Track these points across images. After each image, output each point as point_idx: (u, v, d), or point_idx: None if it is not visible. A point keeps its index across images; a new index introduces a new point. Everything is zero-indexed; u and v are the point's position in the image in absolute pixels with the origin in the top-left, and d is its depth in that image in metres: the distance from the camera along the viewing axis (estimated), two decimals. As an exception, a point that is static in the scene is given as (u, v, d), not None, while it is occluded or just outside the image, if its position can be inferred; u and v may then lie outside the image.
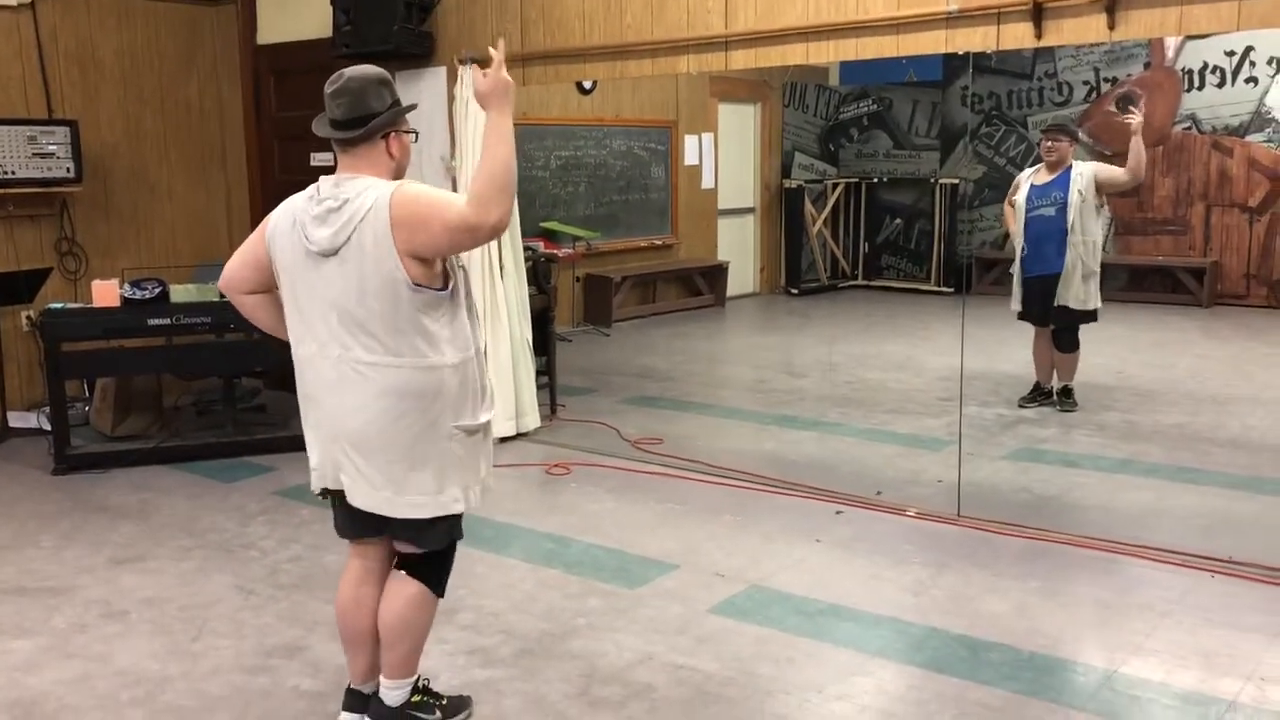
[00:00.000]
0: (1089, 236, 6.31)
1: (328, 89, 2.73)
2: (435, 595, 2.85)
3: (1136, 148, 6.23)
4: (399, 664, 2.84)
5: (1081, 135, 11.12)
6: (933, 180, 12.00)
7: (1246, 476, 5.17)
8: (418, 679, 2.91)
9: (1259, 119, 10.21)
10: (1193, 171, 10.60)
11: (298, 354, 2.80)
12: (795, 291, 11.81)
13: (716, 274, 11.03)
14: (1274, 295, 10.29)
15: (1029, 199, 6.43)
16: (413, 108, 2.84)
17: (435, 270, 2.65)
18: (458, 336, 2.71)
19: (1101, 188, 6.33)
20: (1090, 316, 6.38)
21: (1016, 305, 6.58)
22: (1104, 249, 6.45)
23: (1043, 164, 6.50)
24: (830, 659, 3.36)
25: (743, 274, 11.70)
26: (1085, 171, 6.34)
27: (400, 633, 2.81)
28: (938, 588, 3.90)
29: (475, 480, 2.79)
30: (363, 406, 2.67)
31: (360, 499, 2.72)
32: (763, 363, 8.46)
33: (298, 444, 5.85)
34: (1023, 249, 6.47)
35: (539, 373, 6.28)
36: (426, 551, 2.81)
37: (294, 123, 6.90)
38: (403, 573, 2.82)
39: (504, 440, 5.86)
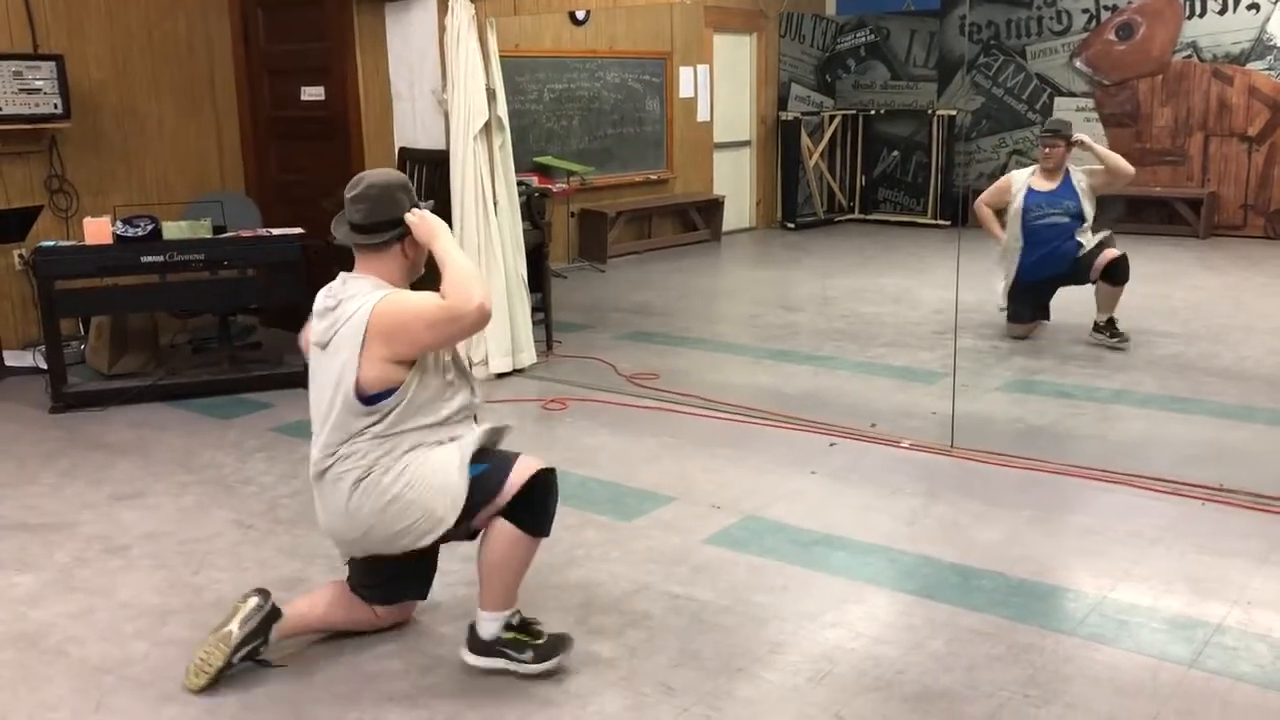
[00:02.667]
0: (1085, 236, 6.44)
1: (348, 193, 2.88)
2: (533, 536, 2.87)
3: (1104, 154, 6.39)
4: (493, 596, 2.88)
5: (1079, 64, 11.03)
6: (930, 112, 11.90)
7: (1238, 406, 5.20)
8: (514, 612, 2.92)
9: (1260, 46, 10.10)
10: (1192, 101, 10.51)
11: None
12: (792, 226, 11.77)
13: (712, 208, 10.97)
14: (1271, 226, 10.27)
15: (1031, 205, 6.44)
16: (431, 203, 2.99)
17: (400, 377, 2.77)
18: (395, 442, 2.79)
19: (1096, 189, 6.46)
20: (1110, 241, 6.39)
21: (1001, 303, 6.64)
22: None
23: (1038, 168, 6.53)
24: (824, 587, 3.41)
25: (739, 208, 11.65)
26: (1083, 180, 6.43)
27: (496, 566, 2.86)
28: (930, 517, 3.95)
29: (447, 499, 2.81)
30: (336, 511, 2.86)
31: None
32: (758, 297, 8.45)
33: (294, 381, 5.88)
34: (1020, 252, 6.48)
35: (534, 309, 6.27)
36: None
37: (283, 56, 6.82)
38: (500, 518, 2.84)
39: (500, 376, 5.88)
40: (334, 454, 2.82)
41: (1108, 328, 6.37)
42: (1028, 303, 6.56)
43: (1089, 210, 6.39)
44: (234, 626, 2.87)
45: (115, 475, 4.54)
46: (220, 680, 2.85)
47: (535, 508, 2.85)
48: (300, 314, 3.12)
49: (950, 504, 4.06)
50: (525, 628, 2.94)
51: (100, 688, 2.90)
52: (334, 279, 2.94)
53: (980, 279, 6.78)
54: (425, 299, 2.78)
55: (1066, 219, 6.36)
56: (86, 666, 3.01)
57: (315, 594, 3.13)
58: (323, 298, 2.90)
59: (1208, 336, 6.55)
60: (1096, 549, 3.65)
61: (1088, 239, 6.40)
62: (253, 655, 2.90)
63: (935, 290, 8.00)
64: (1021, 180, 6.55)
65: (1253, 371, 5.79)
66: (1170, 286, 8.08)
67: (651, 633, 3.13)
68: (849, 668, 2.93)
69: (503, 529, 2.83)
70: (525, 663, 2.88)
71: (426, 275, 2.96)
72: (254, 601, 2.92)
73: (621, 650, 3.03)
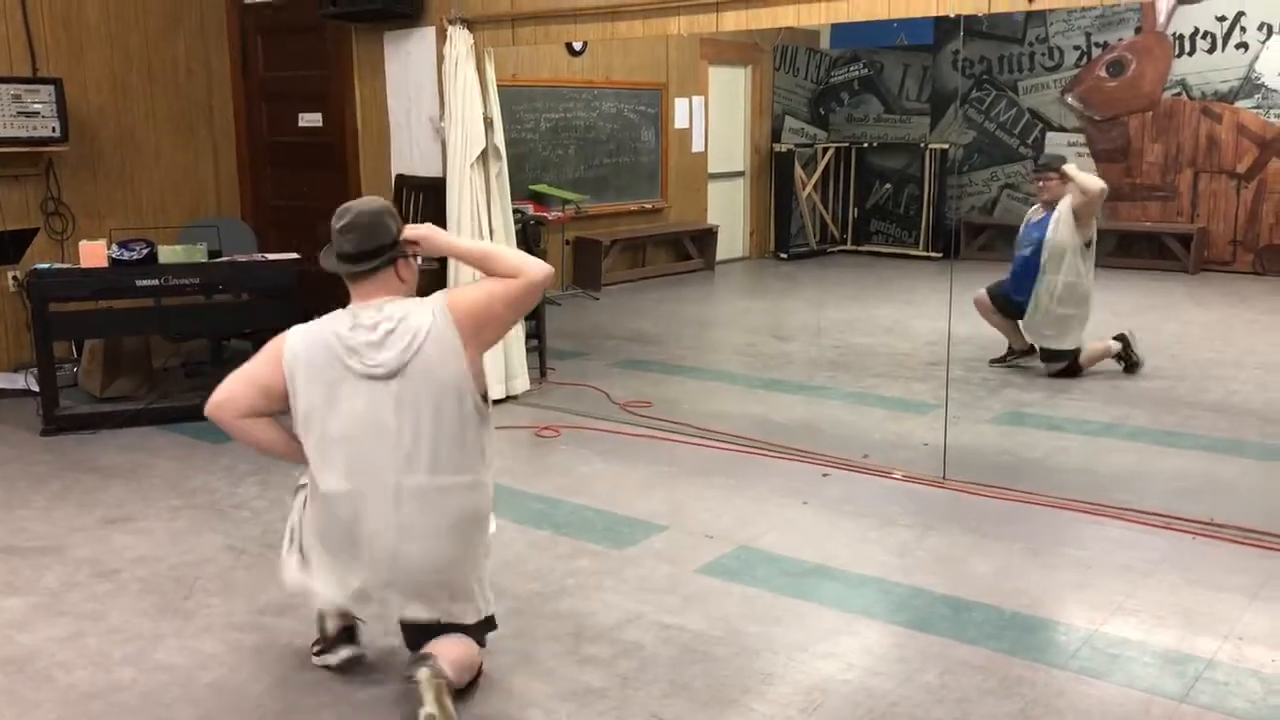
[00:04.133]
0: (1066, 276, 6.30)
1: (335, 224, 2.84)
2: (478, 663, 2.95)
3: (1074, 174, 6.35)
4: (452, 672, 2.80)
5: (1070, 100, 11.14)
6: (922, 145, 11.99)
7: (1228, 440, 5.22)
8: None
9: (1248, 85, 10.21)
10: (1182, 137, 10.61)
11: (327, 490, 2.80)
12: (784, 256, 11.82)
13: (706, 238, 11.02)
14: (1259, 262, 10.35)
15: (1021, 236, 6.58)
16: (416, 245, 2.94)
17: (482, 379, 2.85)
18: (490, 446, 2.89)
19: (1079, 214, 6.32)
20: (1059, 356, 6.37)
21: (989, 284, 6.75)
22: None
23: (1039, 204, 6.60)
24: (816, 618, 3.41)
25: (732, 238, 11.70)
26: (1064, 208, 6.37)
27: (461, 661, 2.84)
28: (922, 549, 3.95)
29: (488, 584, 3.00)
30: (429, 534, 2.78)
31: (414, 615, 2.86)
32: (751, 327, 8.48)
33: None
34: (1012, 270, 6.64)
35: (528, 336, 6.29)
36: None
37: (281, 82, 6.87)
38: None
39: (495, 403, 5.87)
40: (464, 474, 2.81)
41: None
42: (1003, 308, 6.65)
43: (1066, 235, 6.27)
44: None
45: (106, 499, 4.53)
46: None
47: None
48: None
49: (943, 536, 4.07)
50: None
51: (88, 714, 2.88)
52: (338, 309, 2.87)
53: (972, 310, 6.80)
54: (485, 284, 2.83)
55: (1029, 251, 6.44)
56: (75, 692, 2.99)
57: None
58: (360, 332, 2.76)
59: (1197, 371, 6.59)
60: (1088, 582, 3.66)
61: (1056, 330, 6.35)
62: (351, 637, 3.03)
63: (927, 321, 8.03)
64: (1030, 213, 6.72)
65: (1242, 406, 5.82)
66: (1160, 320, 8.12)
67: (643, 663, 3.12)
68: (841, 700, 2.92)
69: (475, 650, 2.91)
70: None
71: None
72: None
73: (613, 680, 3.02)
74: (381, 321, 2.76)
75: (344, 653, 3.03)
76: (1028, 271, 6.43)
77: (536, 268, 2.82)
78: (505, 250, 2.94)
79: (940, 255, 11.70)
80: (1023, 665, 3.10)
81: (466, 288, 2.87)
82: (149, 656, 3.19)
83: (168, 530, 4.18)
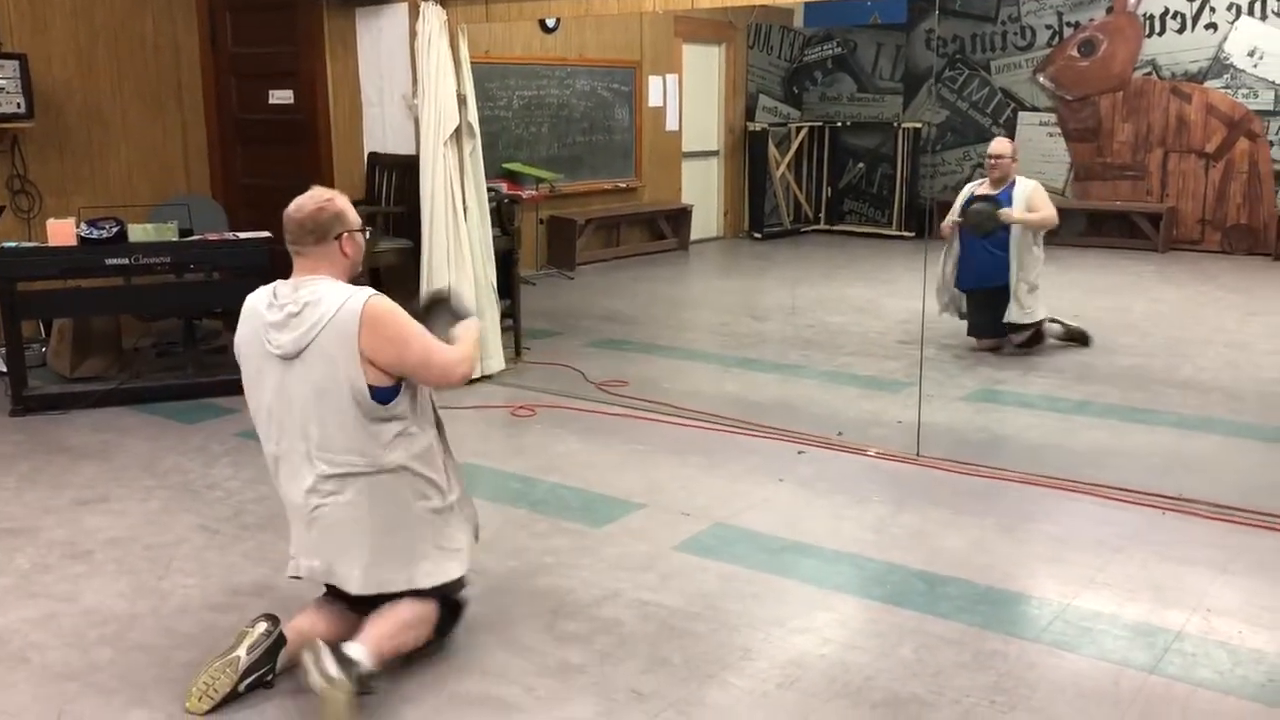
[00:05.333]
0: (1023, 253, 6.36)
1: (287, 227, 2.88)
2: (434, 627, 2.95)
3: (1027, 219, 6.30)
4: (375, 645, 2.77)
5: (1042, 79, 11.18)
6: (896, 124, 12.01)
7: (1197, 417, 5.29)
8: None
9: (1217, 65, 10.29)
10: (1152, 117, 10.69)
11: (267, 450, 2.94)
12: (759, 235, 11.83)
13: (680, 217, 11.01)
14: (1227, 241, 10.46)
15: (966, 207, 6.48)
16: (369, 229, 3.03)
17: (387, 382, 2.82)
18: (417, 433, 2.89)
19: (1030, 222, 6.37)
20: (1035, 329, 6.47)
21: (949, 310, 6.67)
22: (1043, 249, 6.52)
23: (986, 179, 6.58)
24: (793, 594, 3.43)
25: (706, 218, 11.70)
26: (1027, 189, 6.39)
27: (404, 625, 2.86)
28: (897, 525, 3.98)
29: (451, 555, 2.98)
30: (341, 506, 2.83)
31: (339, 582, 2.91)
32: (726, 306, 8.49)
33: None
34: (956, 256, 6.55)
35: (503, 315, 6.27)
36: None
37: (251, 59, 6.78)
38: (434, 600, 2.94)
39: (469, 383, 5.86)
40: (348, 466, 2.81)
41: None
42: (982, 315, 6.55)
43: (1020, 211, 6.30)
44: (241, 652, 2.78)
45: (78, 479, 4.48)
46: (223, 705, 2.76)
47: (449, 619, 3.04)
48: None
49: (917, 512, 4.10)
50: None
51: (63, 695, 2.86)
52: (249, 298, 2.91)
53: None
54: (427, 335, 2.86)
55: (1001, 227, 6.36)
56: (49, 673, 2.97)
57: (310, 611, 3.01)
58: (271, 310, 2.81)
59: (1167, 349, 6.66)
60: (1060, 557, 3.70)
61: (1028, 305, 6.39)
62: (261, 682, 2.81)
63: (900, 300, 8.07)
64: (968, 190, 6.65)
65: (1211, 383, 5.89)
66: (1131, 299, 8.21)
67: (621, 639, 3.14)
68: (818, 674, 2.95)
69: (430, 606, 2.93)
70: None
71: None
72: (263, 627, 2.83)
73: (591, 656, 3.03)
74: (289, 303, 2.79)
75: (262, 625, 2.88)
76: (990, 247, 6.37)
77: (465, 364, 2.92)
78: (472, 344, 3.01)
79: (913, 235, 11.75)
80: (996, 639, 3.13)
81: (402, 313, 2.81)
82: (125, 637, 3.17)
83: (141, 511, 4.15)
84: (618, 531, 3.92)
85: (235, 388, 5.59)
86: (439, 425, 3.04)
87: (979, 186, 6.59)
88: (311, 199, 2.86)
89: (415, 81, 5.90)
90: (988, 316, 6.53)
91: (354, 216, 2.92)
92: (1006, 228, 6.33)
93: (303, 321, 2.76)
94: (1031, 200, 6.37)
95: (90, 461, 4.70)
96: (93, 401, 5.44)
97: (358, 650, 2.73)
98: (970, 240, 6.47)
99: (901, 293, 8.36)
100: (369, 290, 2.81)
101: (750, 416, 5.27)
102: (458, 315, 3.14)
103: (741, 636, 3.15)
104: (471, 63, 5.84)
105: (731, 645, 3.10)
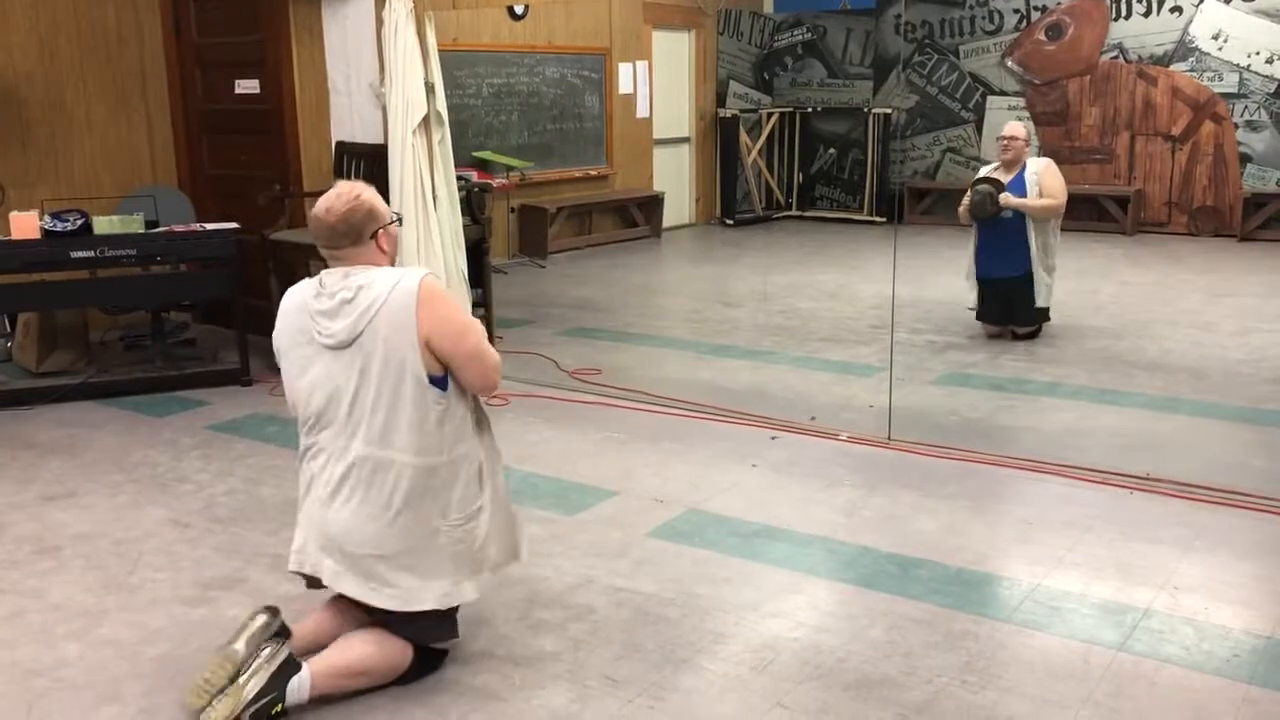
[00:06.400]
0: (1045, 236, 6.35)
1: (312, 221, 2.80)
2: (394, 673, 2.79)
3: (1034, 204, 6.27)
4: (323, 679, 2.70)
5: (1010, 64, 11.24)
6: (866, 110, 12.04)
7: (1164, 397, 5.35)
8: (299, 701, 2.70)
9: (1183, 48, 10.38)
10: (1119, 100, 10.77)
11: (305, 443, 2.84)
12: (730, 222, 11.84)
13: (652, 205, 11.00)
14: (1193, 223, 10.56)
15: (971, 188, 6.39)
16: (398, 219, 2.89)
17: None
18: (457, 431, 2.77)
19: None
20: (1042, 315, 6.48)
21: (970, 303, 6.61)
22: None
23: (1000, 163, 6.47)
24: (765, 578, 3.45)
25: (678, 205, 11.69)
26: (1039, 170, 6.35)
27: (366, 666, 2.75)
28: (868, 508, 4.01)
29: (471, 573, 2.83)
30: (363, 505, 2.72)
31: (346, 588, 2.78)
32: (698, 293, 8.50)
33: (229, 378, 5.81)
34: (975, 245, 6.48)
35: (475, 304, 6.24)
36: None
37: (216, 48, 6.70)
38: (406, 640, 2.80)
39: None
40: (414, 455, 2.70)
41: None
42: (994, 304, 6.50)
43: (1033, 199, 6.27)
44: (240, 645, 2.69)
45: (45, 475, 4.44)
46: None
47: (427, 663, 2.87)
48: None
49: (888, 495, 4.13)
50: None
51: (31, 691, 2.84)
52: (302, 278, 2.82)
53: (916, 275, 6.89)
54: (479, 326, 2.79)
55: (1010, 213, 6.29)
56: (17, 670, 2.94)
57: (318, 616, 2.95)
58: (320, 299, 2.72)
59: (1135, 330, 6.73)
60: (1030, 538, 3.74)
61: (1045, 285, 6.38)
62: (264, 714, 2.65)
63: (872, 286, 8.10)
64: (983, 173, 6.57)
65: (1177, 364, 5.96)
66: (1099, 282, 8.27)
67: (595, 626, 3.14)
68: (790, 657, 2.97)
69: (387, 635, 2.78)
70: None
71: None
72: (262, 619, 2.74)
73: (565, 644, 3.04)
74: (340, 290, 2.70)
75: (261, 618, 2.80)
76: (1008, 233, 6.32)
77: (496, 380, 2.81)
78: (483, 369, 2.79)
79: (884, 220, 11.80)
80: (967, 619, 3.16)
81: (455, 300, 2.75)
82: (94, 632, 3.14)
83: (110, 505, 4.11)
84: (591, 519, 3.93)
85: (204, 380, 5.61)
86: (483, 426, 2.91)
87: (994, 170, 6.49)
88: (339, 199, 2.75)
89: (383, 70, 5.85)
90: (1001, 305, 6.49)
91: (385, 208, 2.83)
92: (1017, 214, 6.27)
93: (356, 307, 2.67)
94: (1043, 181, 6.32)
95: (57, 456, 4.66)
96: (59, 396, 5.38)
97: (299, 681, 2.65)
98: (988, 229, 6.40)
99: (873, 278, 8.39)
100: (421, 269, 2.75)
101: (723, 403, 5.28)
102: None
103: (714, 621, 3.17)
104: (439, 51, 5.80)
105: (704, 630, 3.12)
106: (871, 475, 4.33)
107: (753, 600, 3.29)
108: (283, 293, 2.90)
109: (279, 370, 2.86)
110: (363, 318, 2.66)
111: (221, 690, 2.62)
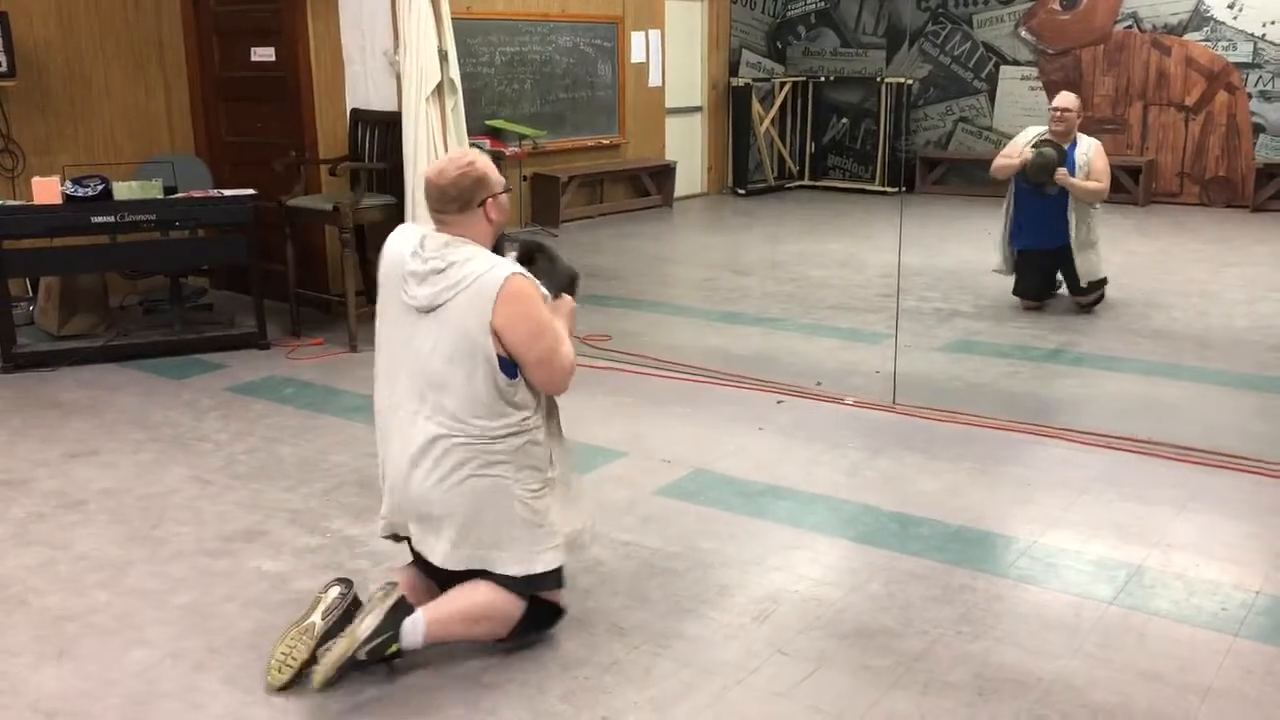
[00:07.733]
0: (1084, 214, 6.28)
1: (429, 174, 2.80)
2: (511, 626, 2.80)
3: (1083, 186, 6.19)
4: (436, 626, 2.71)
5: (1024, 33, 11.21)
6: (879, 79, 12.03)
7: (1167, 364, 5.41)
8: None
9: (1197, 17, 10.33)
10: (1132, 70, 10.73)
11: (379, 405, 2.86)
12: (742, 192, 11.87)
13: (664, 174, 11.04)
14: (1205, 193, 10.55)
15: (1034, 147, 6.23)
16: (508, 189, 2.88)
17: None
18: (524, 404, 2.76)
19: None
20: (1102, 284, 6.42)
21: (996, 265, 6.54)
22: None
23: (1048, 132, 6.30)
24: (769, 535, 3.55)
25: (690, 174, 11.72)
26: (1090, 152, 6.24)
27: (475, 612, 2.76)
28: (872, 469, 4.10)
29: (547, 542, 2.81)
30: (434, 471, 2.72)
31: (425, 550, 2.81)
32: (709, 262, 8.56)
33: (246, 342, 5.89)
34: (1011, 213, 6.41)
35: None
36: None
37: (233, 17, 6.77)
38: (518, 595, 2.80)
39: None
40: (461, 432, 2.71)
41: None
42: (1032, 278, 6.45)
43: (1080, 177, 6.18)
44: (317, 618, 2.72)
45: (68, 434, 4.56)
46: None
47: (533, 620, 2.87)
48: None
49: (892, 457, 4.21)
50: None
51: (63, 635, 2.96)
52: (394, 234, 2.84)
53: (926, 244, 6.93)
54: (560, 330, 2.79)
55: (1056, 189, 6.19)
56: (48, 615, 3.06)
57: (398, 574, 2.95)
58: (416, 260, 2.73)
59: (1141, 299, 6.77)
60: (1029, 498, 3.82)
61: (1090, 260, 6.34)
62: (379, 653, 2.64)
63: (882, 255, 8.15)
64: (1030, 136, 6.38)
65: (1182, 332, 6.01)
66: (1108, 252, 8.24)
67: (603, 578, 3.24)
68: (792, 608, 3.07)
69: (510, 602, 2.79)
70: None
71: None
72: (336, 591, 2.79)
73: (575, 594, 3.13)
74: (435, 258, 2.71)
75: (335, 589, 2.84)
76: (1050, 205, 6.22)
77: (565, 386, 2.84)
78: (571, 356, 2.82)
79: (896, 190, 11.80)
80: (965, 574, 3.25)
81: (540, 301, 2.74)
82: (121, 581, 3.26)
83: (132, 463, 4.23)
84: (600, 478, 4.02)
85: (222, 344, 5.71)
86: (551, 409, 2.92)
87: (1044, 134, 6.34)
88: (453, 163, 2.76)
89: (397, 38, 5.91)
90: (1039, 279, 6.45)
91: (497, 177, 2.81)
92: (1062, 190, 6.18)
93: (443, 279, 2.69)
94: (1093, 163, 6.22)
95: (80, 416, 4.78)
96: (81, 359, 5.50)
97: (414, 623, 2.67)
98: (1029, 200, 6.30)
99: (883, 247, 8.43)
100: (516, 265, 2.74)
101: (732, 368, 5.36)
102: (557, 280, 2.95)
103: (719, 574, 3.27)
104: (453, 18, 5.85)
105: (709, 582, 3.22)
106: (876, 438, 4.42)
107: (756, 555, 3.39)
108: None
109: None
110: (445, 292, 2.68)
111: (304, 665, 2.65)
